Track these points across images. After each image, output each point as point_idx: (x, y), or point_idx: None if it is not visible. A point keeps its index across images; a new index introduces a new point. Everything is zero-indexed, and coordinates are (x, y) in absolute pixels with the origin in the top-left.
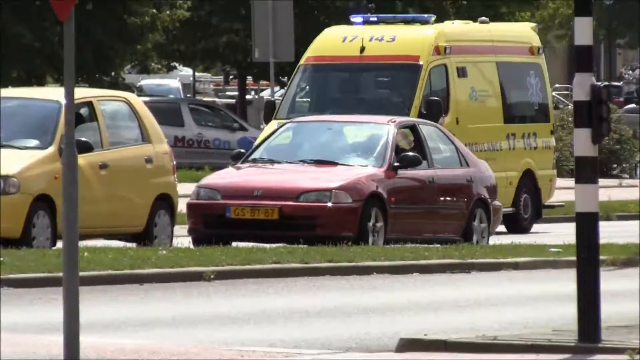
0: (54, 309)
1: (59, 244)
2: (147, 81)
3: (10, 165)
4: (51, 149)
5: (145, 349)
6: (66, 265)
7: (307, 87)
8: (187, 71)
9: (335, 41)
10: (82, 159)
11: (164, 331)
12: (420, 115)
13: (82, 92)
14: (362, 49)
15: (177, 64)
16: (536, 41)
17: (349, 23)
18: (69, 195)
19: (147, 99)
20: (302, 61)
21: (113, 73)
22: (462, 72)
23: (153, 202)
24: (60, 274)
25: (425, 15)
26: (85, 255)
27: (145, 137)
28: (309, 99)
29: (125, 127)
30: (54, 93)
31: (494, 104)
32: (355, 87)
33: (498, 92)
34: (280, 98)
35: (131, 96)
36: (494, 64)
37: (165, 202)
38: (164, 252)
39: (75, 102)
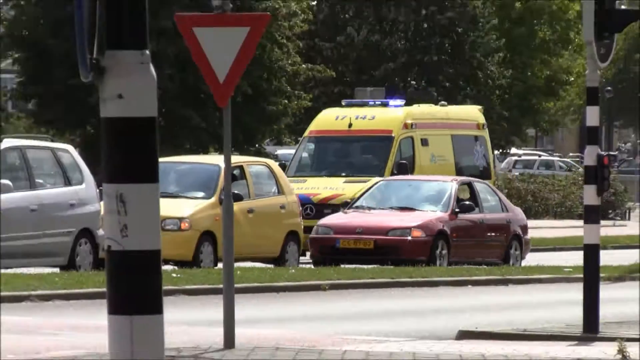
0: (216, 310)
1: (219, 265)
2: (281, 151)
3: (184, 210)
4: (213, 199)
5: (283, 338)
6: (225, 279)
7: (310, 153)
8: None
9: (330, 119)
10: (236, 206)
11: (294, 325)
12: (392, 174)
13: (235, 159)
14: (350, 125)
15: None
16: (482, 119)
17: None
18: (226, 232)
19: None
20: (305, 134)
21: (257, 145)
22: (425, 142)
23: (285, 236)
24: (221, 285)
25: (398, 100)
26: (238, 272)
27: (280, 191)
28: (310, 162)
29: (266, 184)
30: (216, 159)
31: (449, 165)
32: (345, 153)
33: (452, 157)
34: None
35: (270, 162)
36: (449, 136)
37: (294, 236)
38: (293, 270)
39: (231, 165)
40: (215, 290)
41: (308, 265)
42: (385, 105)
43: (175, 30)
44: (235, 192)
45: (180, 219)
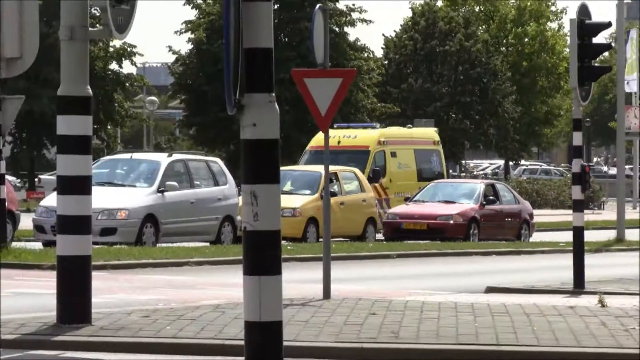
0: (317, 272)
1: (320, 240)
2: None
3: (296, 202)
4: (317, 195)
5: (364, 292)
6: (324, 250)
7: (309, 162)
8: None
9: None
10: (332, 200)
11: (372, 283)
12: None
13: (331, 168)
14: (339, 142)
15: None
16: (437, 138)
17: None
18: (325, 217)
19: None
20: (307, 148)
21: None
22: (393, 154)
23: (365, 220)
24: (321, 255)
25: (374, 124)
26: (333, 245)
27: (362, 189)
28: None
29: (353, 185)
30: (318, 168)
31: (412, 172)
32: (334, 162)
33: (414, 165)
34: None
35: (356, 170)
36: (412, 150)
37: (372, 220)
38: (371, 245)
39: (329, 172)
40: (317, 258)
41: (382, 241)
42: (365, 128)
43: (291, 80)
44: (332, 190)
45: (294, 209)
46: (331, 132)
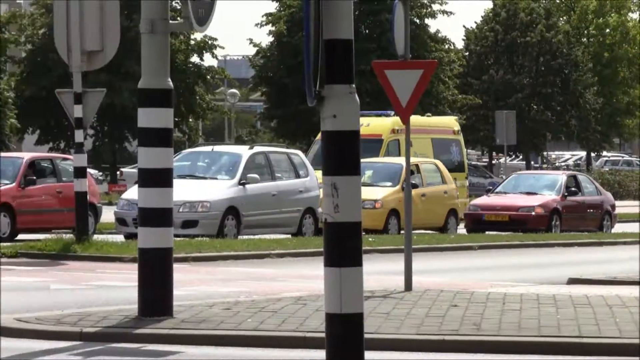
0: (399, 264)
1: (402, 232)
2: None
3: (378, 194)
4: (398, 187)
5: (446, 283)
6: (406, 241)
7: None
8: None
9: None
10: (413, 192)
11: (453, 274)
12: None
13: (413, 160)
14: None
15: None
16: (457, 127)
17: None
18: (407, 209)
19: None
20: (317, 137)
21: None
22: (409, 144)
23: (447, 212)
24: (402, 246)
25: (389, 112)
26: (414, 237)
27: (443, 181)
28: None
29: (434, 176)
30: (399, 160)
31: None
32: None
33: (432, 155)
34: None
35: (437, 161)
36: (429, 139)
37: (453, 212)
38: (452, 236)
39: (410, 164)
40: (399, 250)
41: (463, 232)
42: (378, 116)
43: (372, 72)
44: (413, 182)
45: (375, 201)
46: None
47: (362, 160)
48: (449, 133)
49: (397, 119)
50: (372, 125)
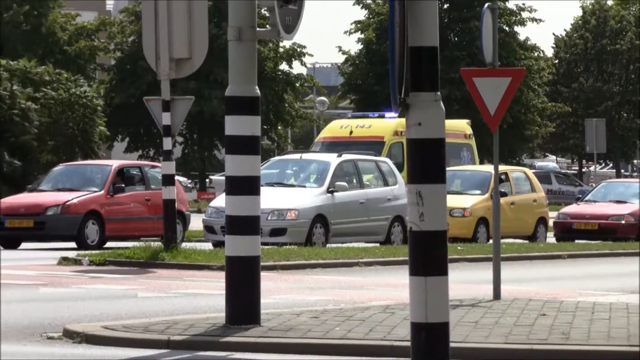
0: (487, 272)
1: (490, 241)
2: (540, 163)
3: (466, 202)
4: (487, 195)
5: (534, 292)
6: (494, 250)
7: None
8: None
9: (336, 128)
10: (502, 200)
11: (542, 283)
12: None
13: (502, 167)
14: (351, 132)
15: (548, 154)
16: (469, 130)
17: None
18: (496, 218)
19: (534, 171)
20: (316, 139)
21: (517, 158)
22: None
23: (536, 220)
24: (491, 255)
25: (393, 113)
26: (503, 246)
27: (532, 189)
28: None
29: (523, 185)
30: (488, 168)
31: None
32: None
33: None
34: None
35: (526, 169)
36: None
37: (542, 221)
38: (542, 244)
39: (499, 172)
40: (487, 259)
41: (552, 241)
42: (382, 117)
43: (461, 79)
44: (502, 190)
45: (464, 209)
46: (344, 121)
47: (451, 168)
48: (459, 137)
49: (401, 120)
50: (374, 126)
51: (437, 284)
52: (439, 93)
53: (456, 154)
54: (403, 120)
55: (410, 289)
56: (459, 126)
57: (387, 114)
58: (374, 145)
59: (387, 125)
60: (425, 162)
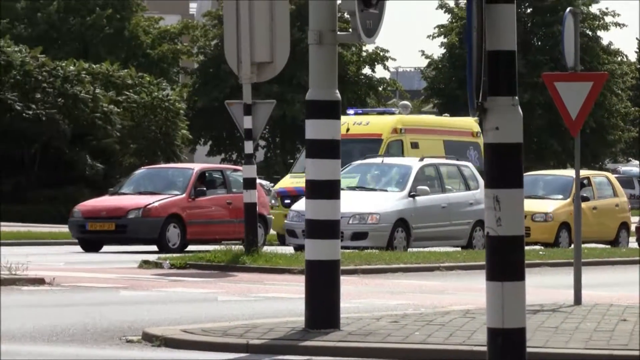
0: (568, 277)
1: (572, 246)
2: (625, 167)
3: (549, 207)
4: (569, 199)
5: (616, 297)
6: (575, 255)
7: None
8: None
9: None
10: (584, 205)
11: (625, 288)
12: None
13: (584, 172)
14: (347, 130)
15: (631, 159)
16: (476, 128)
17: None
18: (577, 222)
19: (617, 175)
20: None
21: (600, 163)
22: (415, 145)
23: (618, 225)
24: (572, 260)
25: (393, 110)
26: (585, 251)
27: (615, 194)
28: None
29: (605, 189)
30: (569, 172)
31: None
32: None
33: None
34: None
35: (608, 174)
36: (441, 141)
37: (625, 225)
38: (624, 249)
39: (580, 177)
40: (569, 263)
41: (635, 246)
42: (381, 113)
43: (543, 84)
44: (584, 195)
45: (546, 214)
46: (342, 118)
47: (533, 172)
48: (466, 135)
49: (401, 117)
50: (372, 123)
51: (514, 289)
52: (516, 97)
53: (461, 153)
54: (406, 117)
55: (487, 294)
56: (465, 124)
57: (387, 111)
58: (371, 143)
59: (385, 122)
60: (503, 166)
